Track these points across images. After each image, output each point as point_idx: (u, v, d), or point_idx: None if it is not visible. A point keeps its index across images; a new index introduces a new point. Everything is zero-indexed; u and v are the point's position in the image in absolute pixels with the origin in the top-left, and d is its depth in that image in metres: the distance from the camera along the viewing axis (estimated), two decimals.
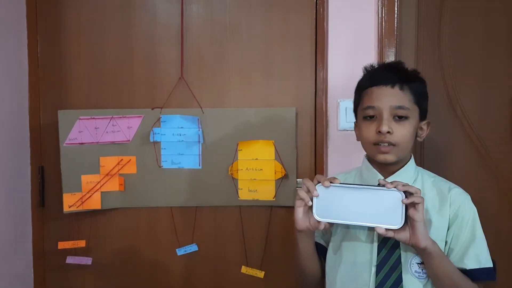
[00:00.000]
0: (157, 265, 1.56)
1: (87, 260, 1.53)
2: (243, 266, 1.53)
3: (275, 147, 1.48)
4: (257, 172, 1.48)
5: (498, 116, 1.42)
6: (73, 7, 1.52)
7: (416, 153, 1.45)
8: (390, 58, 1.41)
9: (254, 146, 1.48)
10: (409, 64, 1.43)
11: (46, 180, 1.53)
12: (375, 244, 1.03)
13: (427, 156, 1.45)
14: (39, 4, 1.51)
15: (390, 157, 1.02)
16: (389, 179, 1.04)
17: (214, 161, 1.50)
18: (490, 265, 1.02)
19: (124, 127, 1.50)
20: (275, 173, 1.48)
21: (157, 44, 1.52)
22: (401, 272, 1.00)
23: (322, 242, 1.15)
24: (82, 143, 1.49)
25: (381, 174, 1.06)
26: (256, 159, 1.48)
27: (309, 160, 1.51)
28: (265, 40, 1.51)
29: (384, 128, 0.99)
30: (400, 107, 1.01)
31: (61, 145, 1.48)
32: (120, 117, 1.50)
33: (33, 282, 1.53)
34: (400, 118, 1.01)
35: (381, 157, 1.02)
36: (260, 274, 1.52)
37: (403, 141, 1.01)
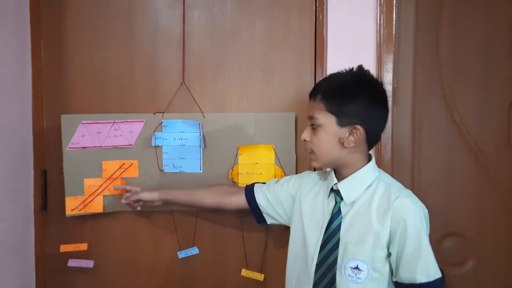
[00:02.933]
0: (158, 268, 1.57)
1: (88, 263, 1.54)
2: (243, 269, 1.54)
3: (275, 152, 1.50)
4: (257, 176, 1.50)
5: (496, 121, 1.43)
6: (76, 13, 1.54)
7: (414, 158, 1.46)
8: (388, 63, 1.43)
9: (254, 151, 1.50)
10: (407, 70, 1.46)
11: (49, 183, 1.55)
12: (319, 243, 1.09)
13: (424, 161, 1.47)
14: (43, 10, 1.53)
15: (314, 164, 1.15)
16: (340, 184, 1.11)
17: (215, 165, 1.52)
18: (439, 275, 1.02)
19: (126, 131, 1.52)
20: (275, 177, 1.49)
21: (159, 50, 1.54)
22: (335, 273, 1.05)
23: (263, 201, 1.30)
24: (84, 147, 1.51)
25: (338, 178, 1.13)
26: (256, 163, 1.50)
27: (309, 164, 1.50)
28: (265, 45, 1.53)
29: (301, 136, 1.14)
30: (310, 117, 1.11)
31: (63, 149, 1.49)
32: (122, 122, 1.52)
33: (35, 285, 1.54)
34: (314, 126, 1.10)
35: (311, 163, 1.14)
36: (260, 277, 1.53)
37: (318, 148, 1.10)
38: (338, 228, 1.08)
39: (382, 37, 1.44)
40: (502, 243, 1.43)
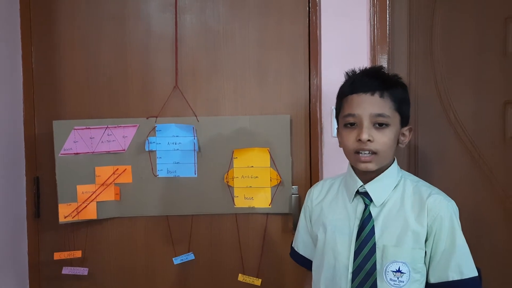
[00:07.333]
0: (153, 275, 1.55)
1: (83, 271, 1.52)
2: (239, 274, 1.52)
3: (270, 155, 1.48)
4: (252, 180, 1.49)
5: (491, 120, 1.43)
6: (68, 18, 1.53)
7: (410, 159, 1.46)
8: (383, 64, 1.42)
9: (249, 154, 1.49)
10: (402, 70, 1.45)
11: (42, 190, 1.53)
12: (352, 250, 1.04)
13: (420, 162, 1.46)
14: (33, 15, 1.52)
15: (371, 166, 1.03)
16: (368, 185, 1.05)
17: (210, 169, 1.50)
18: (474, 274, 0.99)
19: (119, 136, 1.50)
20: (270, 180, 1.48)
21: (151, 54, 1.53)
22: (376, 279, 1.00)
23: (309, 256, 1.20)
24: (77, 153, 1.49)
25: (362, 180, 1.07)
26: (252, 166, 1.49)
27: (304, 167, 1.51)
28: (259, 48, 1.52)
29: (364, 136, 1.00)
30: (380, 115, 1.01)
31: (56, 155, 1.48)
32: (115, 127, 1.50)
33: None
34: (381, 125, 1.01)
35: (362, 166, 1.03)
36: (257, 282, 1.51)
37: (383, 148, 1.01)
38: (372, 232, 1.03)
39: (376, 38, 1.43)
40: (498, 241, 1.42)
